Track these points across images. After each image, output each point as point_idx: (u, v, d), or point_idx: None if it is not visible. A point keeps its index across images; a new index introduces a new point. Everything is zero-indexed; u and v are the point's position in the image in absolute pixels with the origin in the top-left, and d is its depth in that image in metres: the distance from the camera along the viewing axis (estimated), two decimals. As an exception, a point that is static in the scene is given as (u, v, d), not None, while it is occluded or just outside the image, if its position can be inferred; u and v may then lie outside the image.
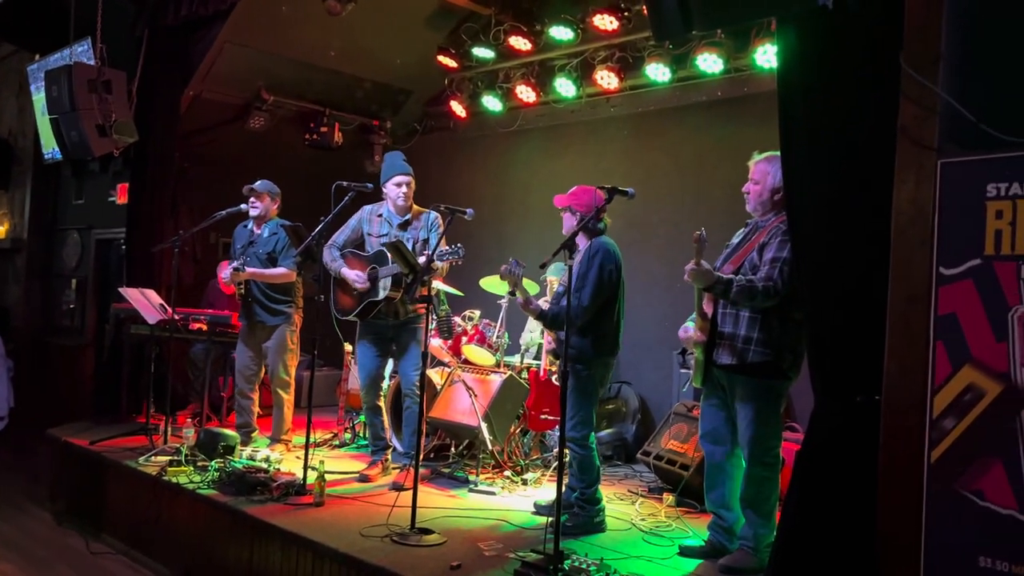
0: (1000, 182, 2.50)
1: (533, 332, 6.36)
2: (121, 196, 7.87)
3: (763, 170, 3.74)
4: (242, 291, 5.67)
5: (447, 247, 4.62)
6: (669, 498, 4.76)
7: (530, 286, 5.88)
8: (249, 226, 5.85)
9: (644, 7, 5.32)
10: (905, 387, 2.66)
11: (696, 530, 4.24)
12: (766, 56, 5.64)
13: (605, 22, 6.31)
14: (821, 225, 2.95)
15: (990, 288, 2.50)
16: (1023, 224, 2.45)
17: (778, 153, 3.52)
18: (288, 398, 5.78)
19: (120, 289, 6.32)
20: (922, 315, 2.62)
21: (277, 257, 5.64)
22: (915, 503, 2.61)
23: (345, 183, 4.81)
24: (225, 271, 5.69)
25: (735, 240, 3.92)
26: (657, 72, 6.34)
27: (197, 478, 4.88)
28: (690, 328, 3.83)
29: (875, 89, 2.79)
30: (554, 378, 5.27)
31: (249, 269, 5.58)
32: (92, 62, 6.24)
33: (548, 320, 4.34)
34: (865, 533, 2.75)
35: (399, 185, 5.05)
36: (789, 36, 2.98)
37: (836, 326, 2.92)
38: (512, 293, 4.31)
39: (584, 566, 3.42)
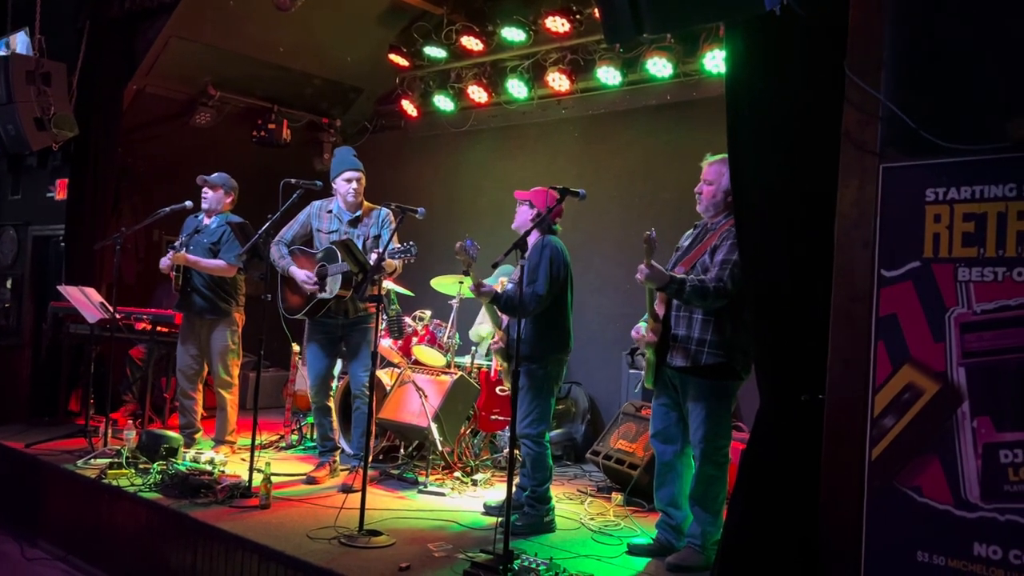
0: (938, 187, 2.58)
1: (483, 323, 6.24)
2: (60, 192, 7.63)
3: (717, 171, 3.78)
4: (179, 281, 5.52)
5: (399, 245, 4.58)
6: (618, 497, 4.80)
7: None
8: (200, 216, 5.73)
9: (596, 10, 5.35)
10: (847, 386, 2.73)
11: (644, 529, 4.28)
12: (715, 61, 5.72)
13: (557, 24, 6.35)
14: (766, 226, 3.00)
15: (929, 290, 2.58)
16: (960, 228, 2.54)
17: (730, 156, 3.58)
18: (231, 399, 5.68)
19: (59, 287, 6.15)
20: (864, 315, 2.69)
21: (219, 250, 5.53)
22: (856, 499, 2.67)
23: (293, 180, 4.74)
24: (166, 256, 5.51)
25: (685, 242, 3.96)
26: (608, 75, 6.39)
27: (139, 481, 4.77)
28: (642, 328, 3.86)
29: (820, 94, 2.85)
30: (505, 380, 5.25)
31: (190, 256, 5.45)
32: (30, 53, 6.07)
33: (502, 303, 4.26)
34: (808, 529, 2.80)
35: (349, 181, 4.98)
36: (737, 41, 3.03)
37: (780, 326, 2.98)
38: (466, 272, 4.22)
39: (533, 566, 3.43)
